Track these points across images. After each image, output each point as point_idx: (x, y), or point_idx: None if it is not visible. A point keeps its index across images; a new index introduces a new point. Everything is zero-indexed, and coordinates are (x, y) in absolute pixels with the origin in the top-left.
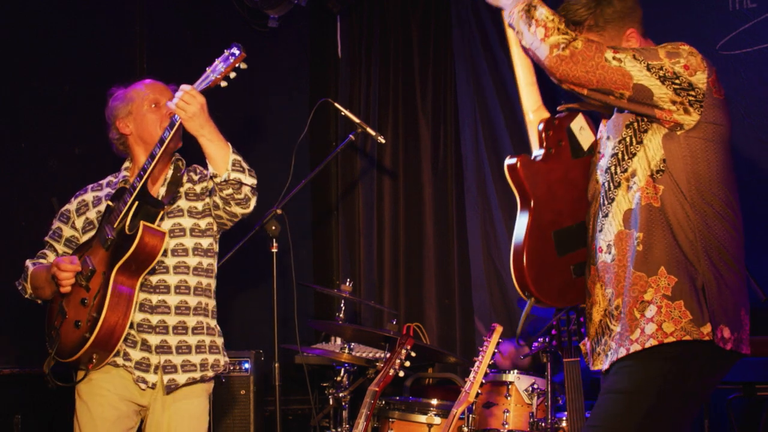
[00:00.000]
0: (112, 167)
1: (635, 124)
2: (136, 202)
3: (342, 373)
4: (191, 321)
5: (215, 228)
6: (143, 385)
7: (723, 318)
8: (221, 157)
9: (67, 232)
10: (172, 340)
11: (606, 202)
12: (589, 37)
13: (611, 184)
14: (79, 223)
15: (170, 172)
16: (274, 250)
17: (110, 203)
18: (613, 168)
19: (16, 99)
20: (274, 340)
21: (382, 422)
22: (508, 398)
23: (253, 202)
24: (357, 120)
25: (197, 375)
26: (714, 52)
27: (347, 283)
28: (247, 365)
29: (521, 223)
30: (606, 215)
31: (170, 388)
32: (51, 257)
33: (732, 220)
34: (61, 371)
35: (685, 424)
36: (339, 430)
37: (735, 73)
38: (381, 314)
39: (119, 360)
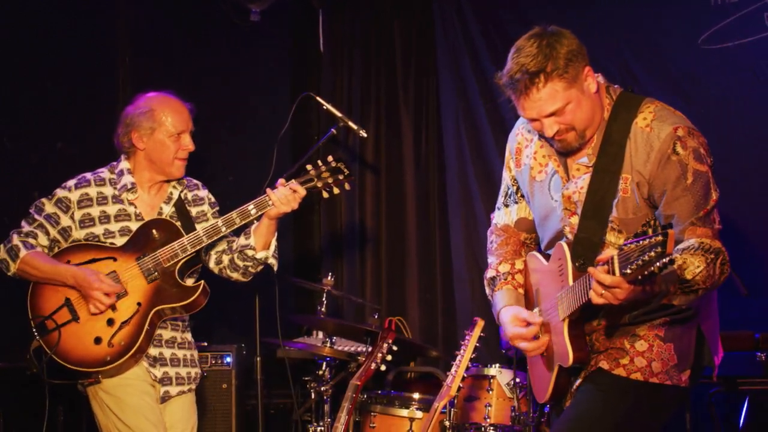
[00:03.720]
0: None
1: (650, 225)
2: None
3: (324, 367)
4: (179, 336)
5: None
6: (152, 376)
7: (716, 349)
8: (270, 240)
9: (65, 221)
10: (167, 352)
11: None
12: (554, 86)
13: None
14: (78, 215)
15: (176, 193)
16: None
17: (155, 232)
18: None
19: (16, 99)
20: (255, 334)
21: (364, 416)
22: (490, 392)
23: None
24: (339, 114)
25: (185, 388)
26: (696, 46)
27: (329, 277)
28: (228, 359)
29: None
30: None
31: (164, 399)
32: (42, 240)
33: None
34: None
35: None
36: (321, 423)
37: (717, 67)
38: (363, 308)
39: None
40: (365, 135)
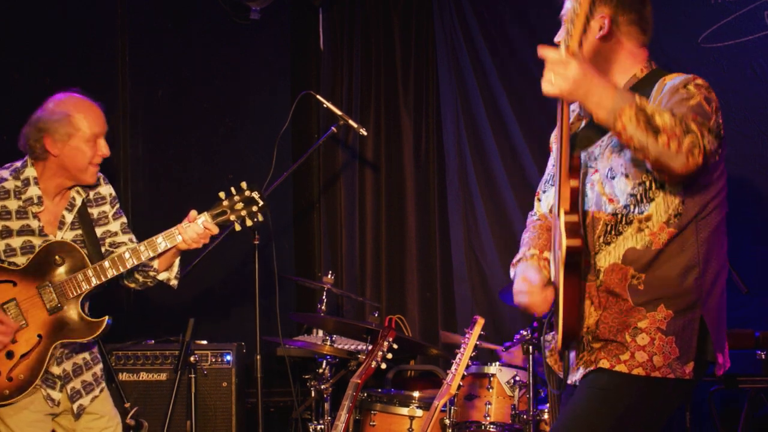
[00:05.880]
0: None
1: (645, 185)
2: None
3: (324, 366)
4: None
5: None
6: (50, 403)
7: (721, 346)
8: (176, 265)
9: None
10: (68, 366)
11: (612, 231)
12: None
13: (624, 218)
14: None
15: (79, 198)
16: (256, 242)
17: (57, 258)
18: (631, 206)
19: (16, 97)
20: (256, 332)
21: (364, 414)
22: (490, 390)
23: None
24: (339, 112)
25: (97, 392)
26: (696, 45)
27: (329, 276)
28: (228, 357)
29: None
30: (608, 243)
31: (79, 414)
32: None
33: (725, 235)
34: None
35: None
36: (321, 422)
37: (717, 65)
38: (363, 306)
39: None
40: (365, 133)
